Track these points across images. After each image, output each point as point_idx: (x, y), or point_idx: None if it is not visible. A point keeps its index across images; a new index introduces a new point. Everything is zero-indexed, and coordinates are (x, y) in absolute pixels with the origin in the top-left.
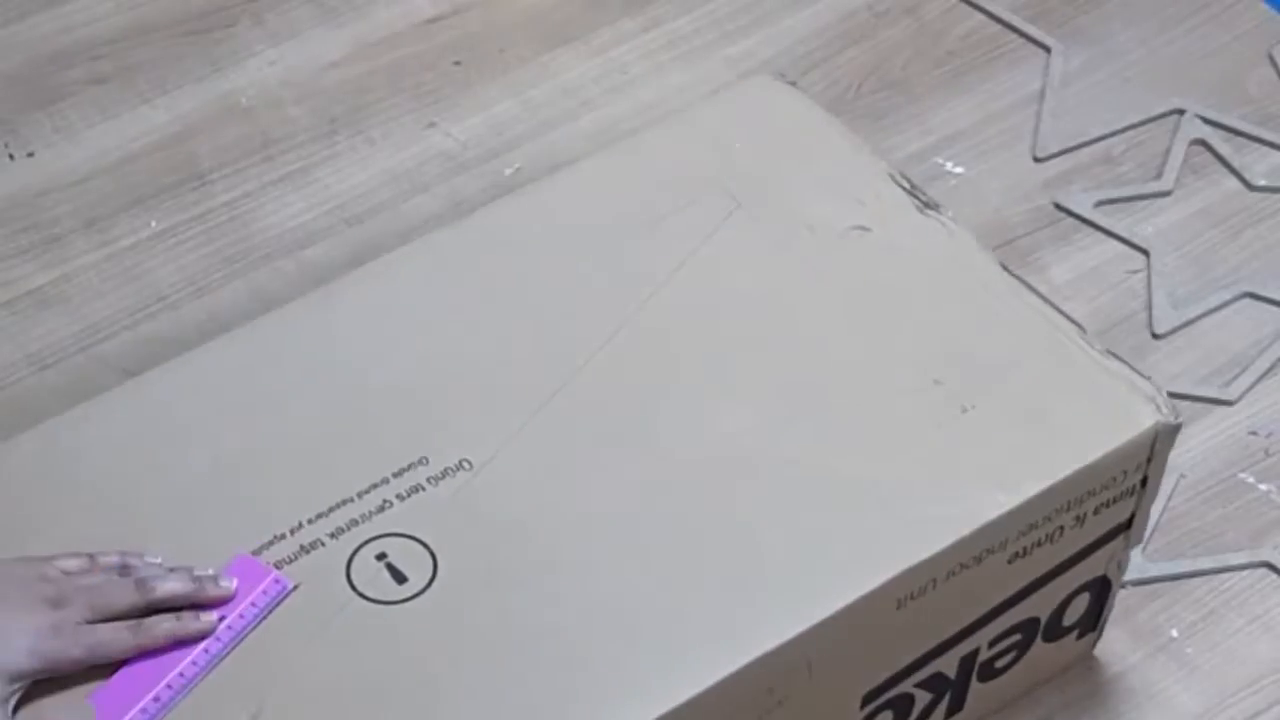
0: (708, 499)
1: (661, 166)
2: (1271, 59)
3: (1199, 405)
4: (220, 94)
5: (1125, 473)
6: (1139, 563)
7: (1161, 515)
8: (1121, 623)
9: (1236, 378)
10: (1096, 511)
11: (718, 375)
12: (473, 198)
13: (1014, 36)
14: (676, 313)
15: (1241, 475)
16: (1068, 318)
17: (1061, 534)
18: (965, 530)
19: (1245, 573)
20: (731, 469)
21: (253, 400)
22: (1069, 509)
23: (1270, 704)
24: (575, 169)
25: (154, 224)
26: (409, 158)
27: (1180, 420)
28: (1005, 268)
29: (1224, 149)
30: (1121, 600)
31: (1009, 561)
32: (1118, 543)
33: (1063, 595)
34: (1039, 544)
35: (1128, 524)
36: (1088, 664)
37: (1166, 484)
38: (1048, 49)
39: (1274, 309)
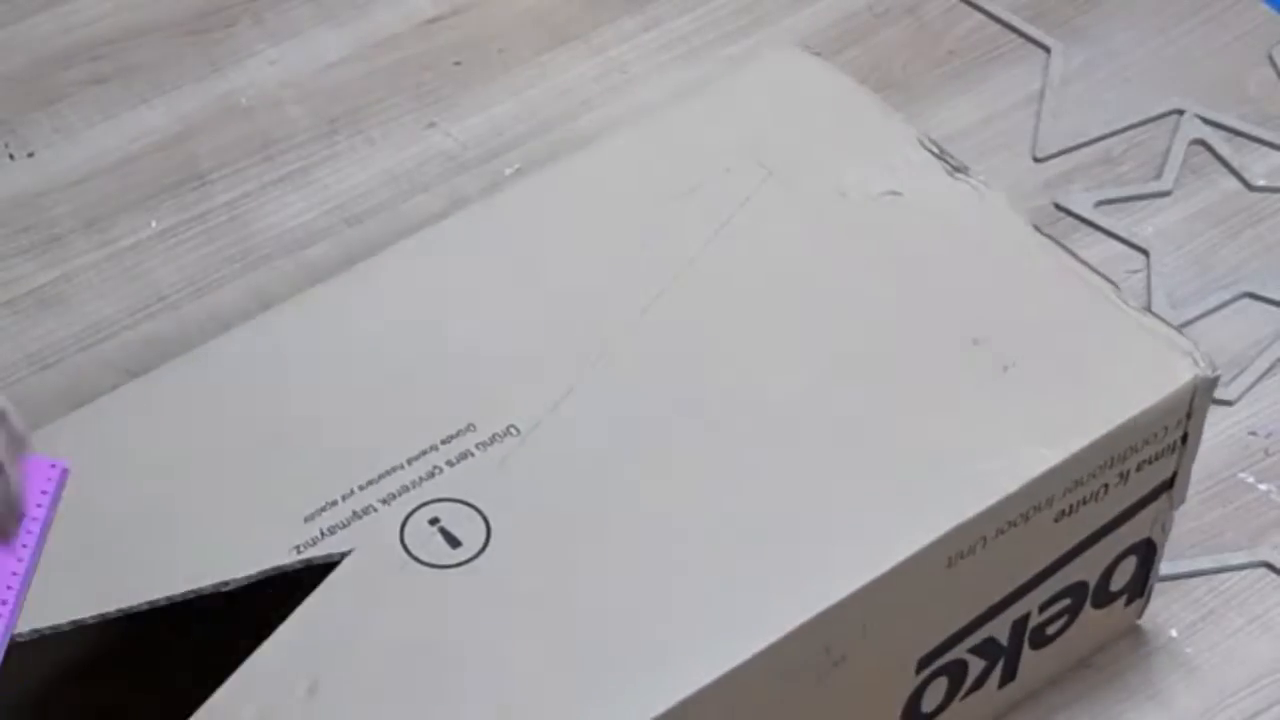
0: (758, 462)
1: (692, 138)
2: (1271, 59)
3: None
4: (220, 94)
5: (1166, 428)
6: None
7: None
8: None
9: (1236, 378)
10: (1139, 469)
11: (760, 340)
12: (473, 198)
13: (1014, 36)
14: (714, 280)
15: (1241, 475)
16: (1103, 276)
17: (1106, 491)
18: (1012, 486)
19: (1245, 573)
20: (779, 432)
21: (299, 373)
22: (1113, 465)
23: (1270, 704)
24: (604, 143)
25: (154, 224)
26: (409, 158)
27: (1219, 373)
28: (1037, 228)
29: (1224, 149)
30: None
31: (1056, 520)
32: (1161, 502)
33: (1110, 558)
34: (1084, 501)
35: (1170, 482)
36: (1087, 664)
37: None
38: (1048, 49)
39: (1274, 309)
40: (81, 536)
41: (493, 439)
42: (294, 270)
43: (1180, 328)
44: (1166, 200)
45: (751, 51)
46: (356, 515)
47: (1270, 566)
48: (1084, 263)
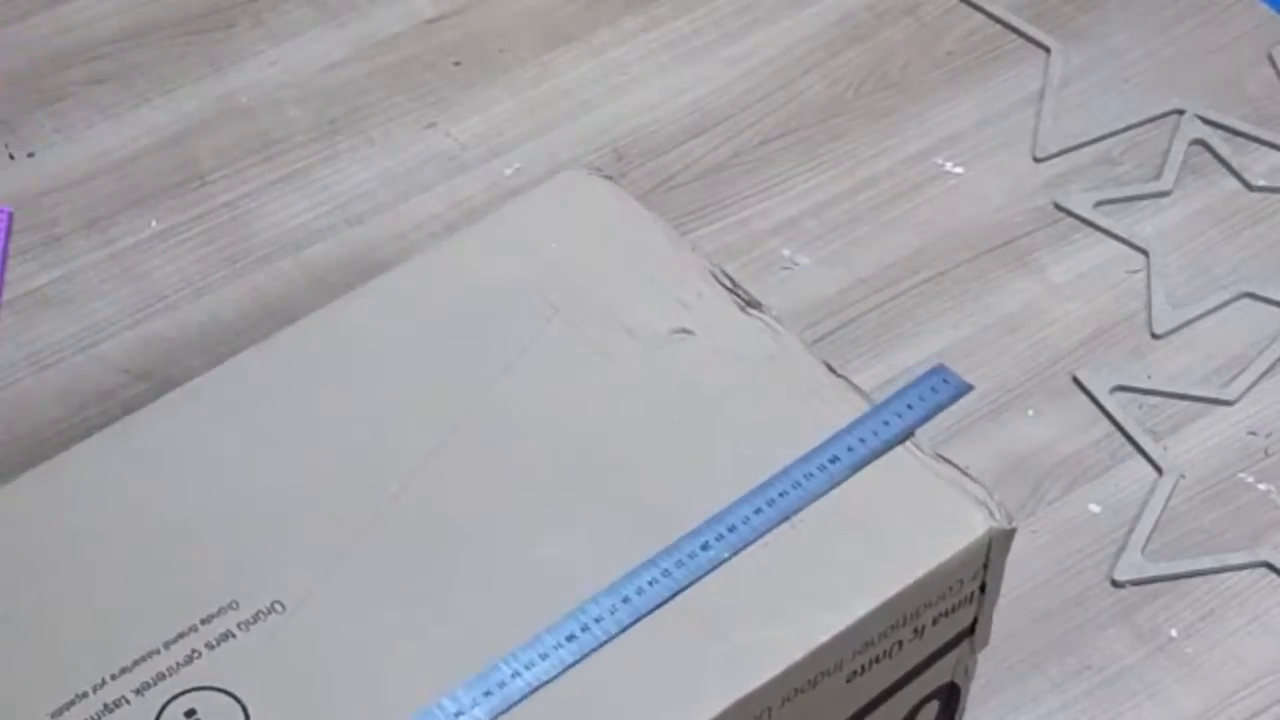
0: (532, 630)
1: (473, 273)
2: (1271, 59)
3: (1198, 405)
4: (220, 94)
5: (961, 581)
6: (1139, 562)
7: (1161, 515)
8: (1121, 622)
9: (1236, 378)
10: (935, 622)
11: (539, 495)
12: (473, 197)
13: (1014, 36)
14: (495, 430)
15: (1241, 475)
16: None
17: (900, 648)
18: (797, 655)
19: (1245, 572)
20: (556, 595)
21: (46, 546)
22: (905, 623)
23: (1270, 704)
24: (380, 282)
25: (154, 224)
26: (409, 158)
27: (1014, 525)
28: (831, 368)
29: (1224, 149)
30: (1121, 600)
31: (847, 681)
32: (962, 649)
33: (909, 706)
34: (877, 660)
35: (970, 629)
36: (1086, 664)
37: (1165, 484)
38: (1048, 49)
39: (1274, 309)
40: None
41: (256, 616)
42: (294, 270)
43: (1180, 328)
44: (1166, 200)
45: (751, 51)
46: (108, 709)
47: (1270, 566)
48: (870, 401)
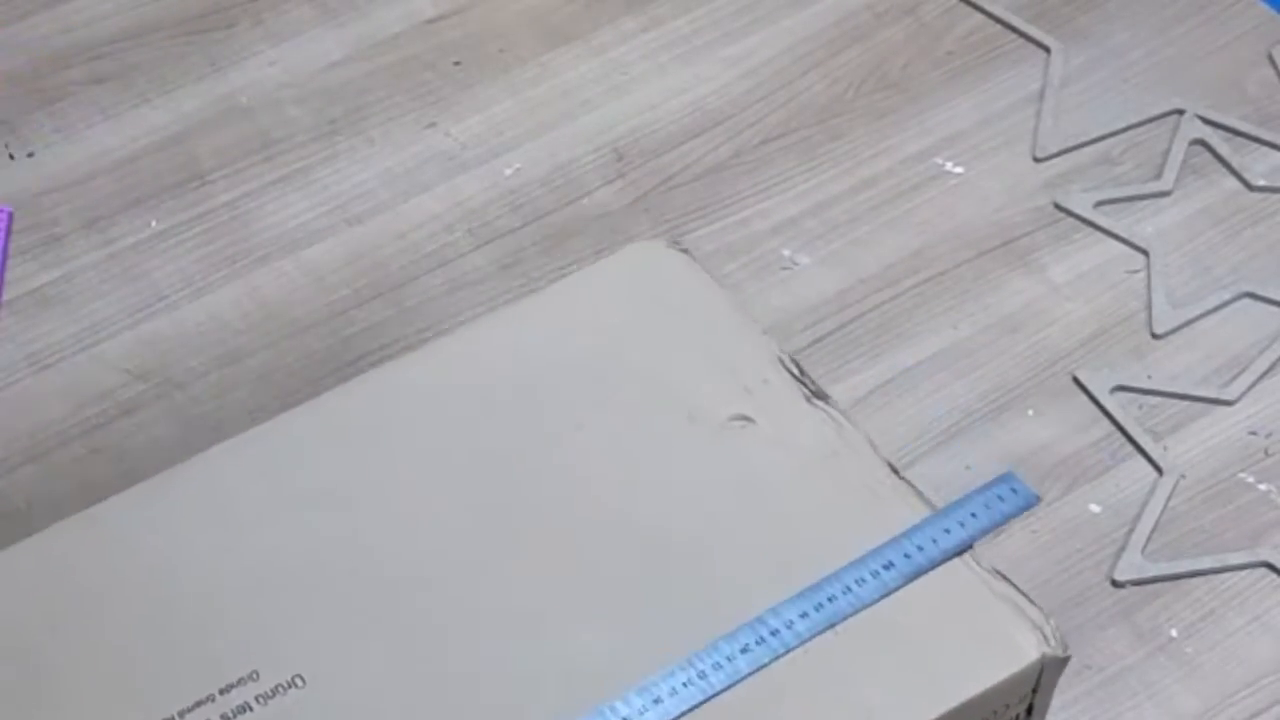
0: None
1: (536, 341)
2: (1271, 59)
3: (1198, 405)
4: (220, 94)
5: (1008, 705)
6: (1139, 562)
7: (1161, 515)
8: (1121, 622)
9: (1236, 378)
10: None
11: (577, 582)
12: (473, 197)
13: (1014, 36)
14: (537, 509)
15: (1241, 475)
16: (960, 532)
17: None
18: None
19: (1245, 572)
20: (585, 689)
21: (64, 609)
22: None
23: (1270, 704)
24: (438, 345)
25: (154, 224)
26: (409, 158)
27: (1069, 654)
28: (894, 468)
29: (1224, 149)
30: (1121, 600)
31: None
32: None
33: None
34: None
35: None
36: (1086, 664)
37: (1166, 484)
38: (1048, 49)
39: (1274, 309)
40: None
41: (275, 690)
42: (294, 270)
43: (1180, 328)
44: (1166, 200)
45: (751, 51)
46: None
47: (1270, 566)
48: (933, 508)
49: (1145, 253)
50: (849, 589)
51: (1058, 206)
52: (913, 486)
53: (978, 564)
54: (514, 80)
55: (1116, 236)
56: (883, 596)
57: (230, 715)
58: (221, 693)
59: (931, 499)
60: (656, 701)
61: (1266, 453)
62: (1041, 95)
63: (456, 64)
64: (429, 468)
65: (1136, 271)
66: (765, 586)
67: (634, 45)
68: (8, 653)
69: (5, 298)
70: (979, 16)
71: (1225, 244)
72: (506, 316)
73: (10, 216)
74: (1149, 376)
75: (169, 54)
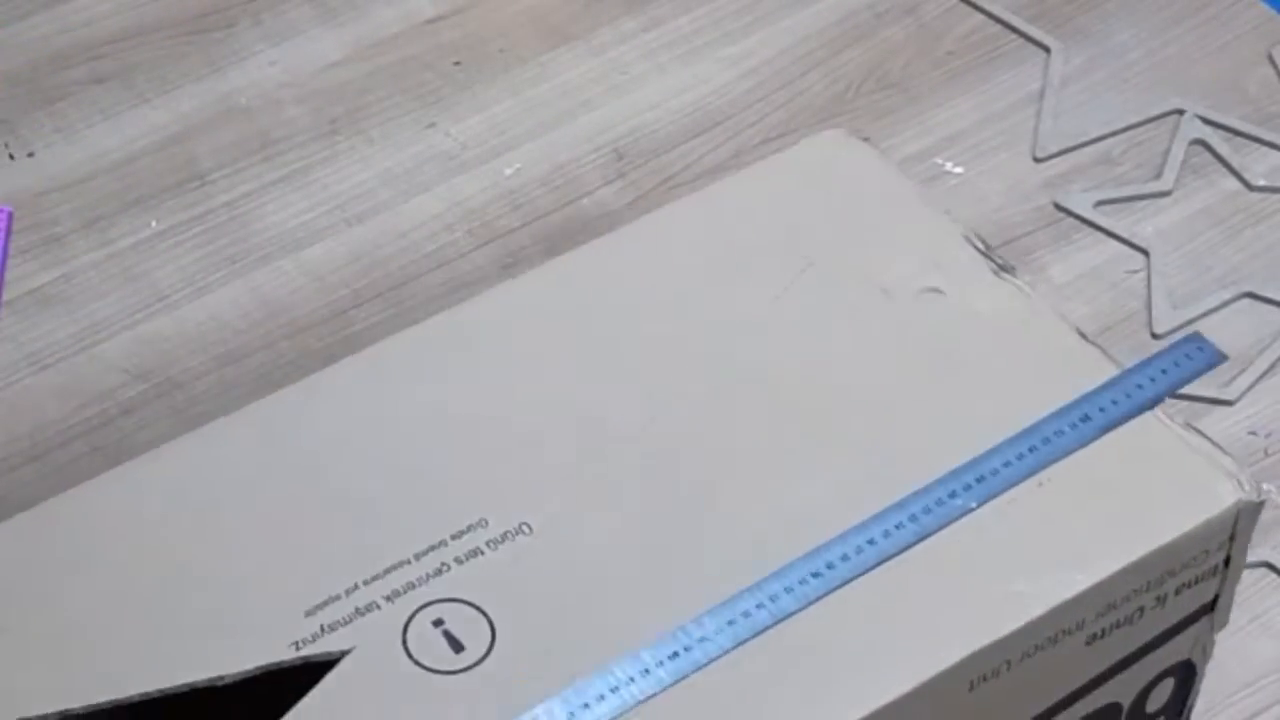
0: (775, 565)
1: (729, 223)
2: (1271, 59)
3: (1199, 405)
4: (220, 94)
5: (1207, 552)
6: None
7: None
8: None
9: (1236, 378)
10: (1178, 592)
11: (788, 440)
12: (473, 197)
13: (1014, 36)
14: (747, 372)
15: None
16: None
17: (1141, 615)
18: (1039, 610)
19: (1245, 572)
20: (802, 539)
21: (302, 460)
22: (1149, 589)
23: (1270, 704)
24: (642, 223)
25: (154, 224)
26: (409, 158)
27: (1264, 498)
28: (1083, 334)
29: (1224, 149)
30: None
31: (1087, 643)
32: (1202, 625)
33: (1145, 680)
34: (1118, 625)
35: (1211, 605)
36: None
37: None
38: (1048, 49)
39: (1274, 309)
40: (72, 624)
41: (504, 536)
42: (294, 270)
43: (1180, 328)
44: (1166, 200)
45: (751, 51)
46: (359, 612)
47: (1270, 566)
48: (1134, 373)
49: (1145, 253)
50: (1048, 439)
51: (1058, 206)
52: (1102, 349)
53: (1169, 418)
54: (514, 80)
55: (1116, 236)
56: (1080, 447)
57: (462, 558)
58: (453, 538)
59: None
60: (871, 542)
61: (1266, 453)
62: (1041, 95)
63: (456, 64)
64: (643, 333)
65: (1136, 271)
66: (968, 439)
67: (634, 45)
68: (254, 498)
69: (5, 298)
70: (979, 16)
71: (1225, 244)
72: (697, 200)
73: (10, 216)
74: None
75: (169, 54)
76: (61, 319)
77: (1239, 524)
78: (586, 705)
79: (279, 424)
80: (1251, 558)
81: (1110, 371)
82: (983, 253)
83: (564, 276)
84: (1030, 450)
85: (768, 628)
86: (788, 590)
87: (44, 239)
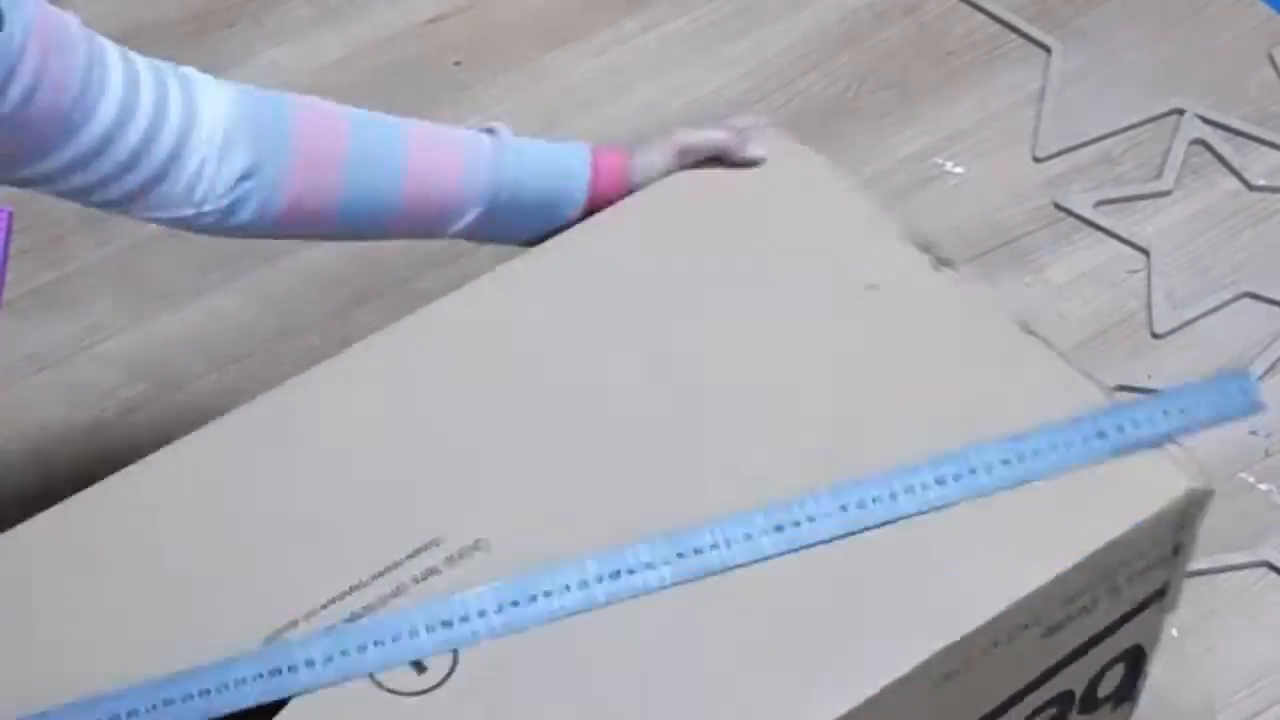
0: (735, 574)
1: (676, 227)
2: (1271, 59)
3: None
4: None
5: (1157, 541)
6: None
7: None
8: None
9: None
10: (1131, 581)
11: (742, 441)
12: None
13: (1014, 36)
14: (701, 374)
15: (1241, 475)
16: (1094, 381)
17: (1096, 605)
18: (1001, 606)
19: (1245, 572)
20: (768, 485)
21: (257, 482)
22: (1103, 580)
23: (1269, 704)
24: (586, 227)
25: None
26: None
27: (1213, 488)
28: (1026, 327)
29: (1224, 149)
30: None
31: (1044, 635)
32: (1152, 611)
33: (1098, 666)
34: (1074, 616)
35: (1161, 592)
36: None
37: None
38: (1048, 49)
39: (1274, 309)
40: (39, 650)
41: (460, 553)
42: (294, 270)
43: (1180, 328)
44: (1166, 200)
45: (750, 51)
46: (321, 635)
47: (1270, 566)
48: (1074, 365)
49: (1145, 253)
50: (1055, 447)
51: (1058, 206)
52: (1043, 339)
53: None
54: (514, 80)
55: (1116, 236)
56: (1088, 464)
57: (419, 577)
58: (408, 557)
59: None
60: (843, 509)
61: (1266, 453)
62: (1041, 95)
63: (456, 64)
64: (592, 340)
65: (1136, 271)
66: (931, 440)
67: (634, 45)
68: (208, 523)
69: (5, 298)
70: (979, 16)
71: (1225, 244)
72: (640, 203)
73: (10, 216)
74: (1149, 376)
75: (169, 54)
76: (61, 319)
77: (1189, 512)
78: None
79: (230, 449)
80: (1251, 558)
81: (1050, 360)
82: (921, 248)
83: (518, 283)
84: (1033, 453)
85: (719, 571)
86: (747, 537)
87: (44, 239)
